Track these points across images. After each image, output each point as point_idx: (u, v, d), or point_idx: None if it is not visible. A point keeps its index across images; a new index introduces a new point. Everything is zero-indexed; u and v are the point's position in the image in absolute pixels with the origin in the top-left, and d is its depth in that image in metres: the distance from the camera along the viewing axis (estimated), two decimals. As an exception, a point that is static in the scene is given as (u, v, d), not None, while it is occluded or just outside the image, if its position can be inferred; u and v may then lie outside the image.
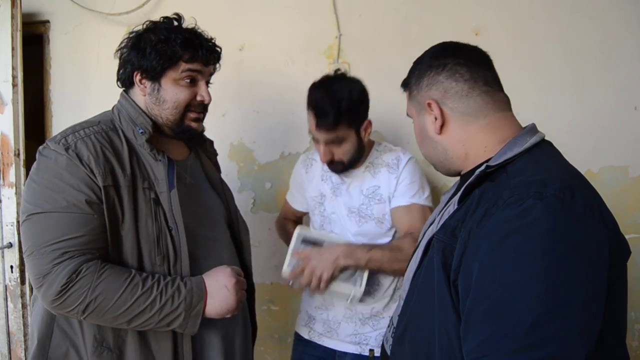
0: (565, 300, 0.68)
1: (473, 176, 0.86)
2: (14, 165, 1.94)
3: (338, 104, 1.41)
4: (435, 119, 0.93)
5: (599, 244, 0.73)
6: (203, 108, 1.24)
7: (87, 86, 2.18)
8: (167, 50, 1.15)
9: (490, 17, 1.85)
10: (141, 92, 1.19)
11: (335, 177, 1.59)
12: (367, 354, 1.52)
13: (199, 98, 1.21)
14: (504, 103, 0.93)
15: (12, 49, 1.94)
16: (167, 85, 1.17)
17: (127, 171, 1.11)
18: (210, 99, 1.22)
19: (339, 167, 1.51)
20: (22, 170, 1.95)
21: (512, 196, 0.75)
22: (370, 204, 1.54)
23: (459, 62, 0.92)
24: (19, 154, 1.95)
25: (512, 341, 0.68)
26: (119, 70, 1.22)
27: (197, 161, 1.34)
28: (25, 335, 1.98)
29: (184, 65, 1.17)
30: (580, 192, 0.76)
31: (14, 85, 1.94)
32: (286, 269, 1.46)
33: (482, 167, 0.85)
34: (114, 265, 1.07)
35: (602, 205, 0.81)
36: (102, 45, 2.13)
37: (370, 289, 1.50)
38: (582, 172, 1.89)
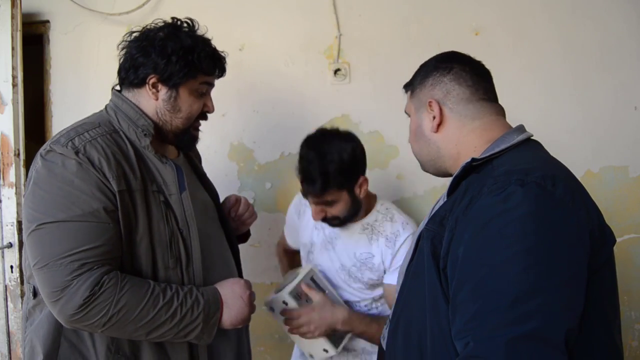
0: (545, 278, 0.71)
1: (459, 168, 0.90)
2: (14, 165, 1.94)
3: (325, 170, 1.35)
4: (434, 117, 0.96)
5: (579, 228, 0.77)
6: (205, 118, 1.26)
7: (87, 86, 2.17)
8: (194, 61, 1.15)
9: (490, 17, 1.85)
10: (152, 97, 1.16)
11: (328, 229, 1.55)
12: None
13: (205, 108, 1.23)
14: (499, 110, 0.98)
15: (12, 49, 1.93)
16: (184, 94, 1.17)
17: (137, 174, 1.09)
18: (213, 110, 1.26)
19: (335, 222, 1.47)
20: (22, 170, 1.95)
21: (495, 184, 0.79)
22: (362, 269, 1.50)
23: (464, 69, 0.97)
24: (19, 154, 1.95)
25: (495, 318, 0.70)
26: (127, 70, 1.17)
27: (186, 160, 1.34)
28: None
29: (202, 78, 1.18)
30: (562, 180, 0.79)
31: (14, 85, 1.94)
32: (287, 295, 1.42)
33: (469, 160, 0.88)
34: (132, 276, 1.05)
35: (585, 194, 0.84)
36: (102, 45, 2.13)
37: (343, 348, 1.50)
38: (582, 172, 1.91)
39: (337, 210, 1.43)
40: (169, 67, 1.13)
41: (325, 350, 1.43)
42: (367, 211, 1.52)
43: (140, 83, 1.16)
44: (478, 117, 0.95)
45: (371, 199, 1.55)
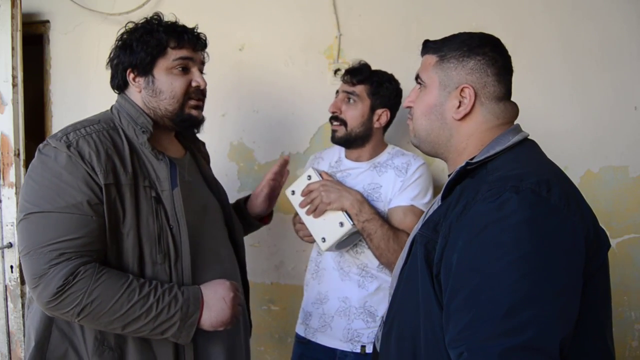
0: (540, 287, 0.70)
1: (454, 173, 0.88)
2: (14, 165, 1.94)
3: (371, 71, 1.57)
4: (460, 104, 0.90)
5: (574, 235, 0.76)
6: (201, 94, 1.25)
7: (87, 86, 2.18)
8: (152, 39, 1.17)
9: (490, 17, 1.85)
10: (137, 90, 1.20)
11: (339, 173, 1.61)
12: (358, 350, 1.52)
13: (194, 84, 1.22)
14: (517, 111, 0.95)
15: (12, 49, 1.94)
16: (160, 75, 1.19)
17: (128, 169, 1.11)
18: (205, 84, 1.24)
19: (342, 129, 1.56)
20: (22, 170, 1.95)
21: (490, 190, 0.77)
22: (368, 199, 1.53)
23: (506, 66, 0.92)
24: (19, 154, 1.95)
25: (489, 328, 0.69)
26: (113, 77, 1.23)
27: (192, 160, 1.35)
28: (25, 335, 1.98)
29: (173, 53, 1.19)
30: (557, 186, 0.78)
31: (14, 85, 1.94)
32: (312, 169, 1.53)
33: (463, 164, 0.86)
34: (111, 269, 1.07)
35: (580, 199, 0.83)
36: (102, 45, 2.13)
37: (344, 245, 1.52)
38: (582, 172, 1.90)
39: (352, 113, 1.55)
40: (134, 56, 1.17)
41: (341, 224, 1.44)
42: (378, 153, 1.62)
43: (124, 83, 1.21)
44: (502, 116, 0.91)
45: (382, 145, 1.64)
